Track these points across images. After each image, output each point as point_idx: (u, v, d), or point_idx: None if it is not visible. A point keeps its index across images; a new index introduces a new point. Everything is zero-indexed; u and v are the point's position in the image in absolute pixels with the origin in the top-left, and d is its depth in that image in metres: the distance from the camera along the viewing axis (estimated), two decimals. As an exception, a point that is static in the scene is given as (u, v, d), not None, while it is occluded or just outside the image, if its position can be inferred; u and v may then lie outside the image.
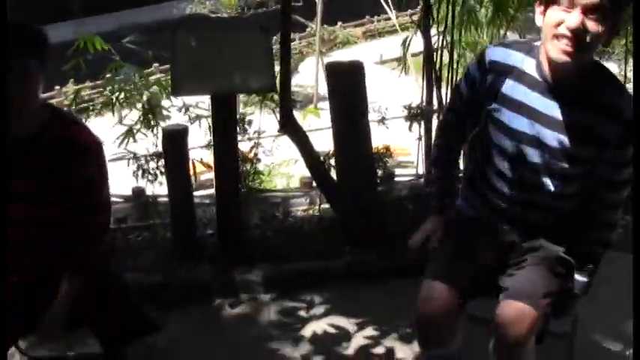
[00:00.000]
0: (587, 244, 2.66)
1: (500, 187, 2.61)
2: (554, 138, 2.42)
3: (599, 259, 2.68)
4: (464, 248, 2.72)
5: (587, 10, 2.17)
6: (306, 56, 26.36)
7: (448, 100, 2.77)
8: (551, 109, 2.40)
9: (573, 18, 2.18)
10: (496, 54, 2.51)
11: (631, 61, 9.33)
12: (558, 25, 2.22)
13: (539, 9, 2.33)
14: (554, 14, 2.24)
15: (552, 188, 2.52)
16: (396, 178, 7.56)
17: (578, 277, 2.66)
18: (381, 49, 25.80)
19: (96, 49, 6.15)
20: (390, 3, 12.43)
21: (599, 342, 3.59)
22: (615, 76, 2.48)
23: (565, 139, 2.41)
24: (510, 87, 2.46)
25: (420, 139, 6.61)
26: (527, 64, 2.44)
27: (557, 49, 2.25)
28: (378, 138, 6.00)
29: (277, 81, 4.72)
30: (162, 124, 5.68)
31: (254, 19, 18.59)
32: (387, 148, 5.86)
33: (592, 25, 2.18)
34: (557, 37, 2.23)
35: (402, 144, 10.03)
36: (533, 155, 2.48)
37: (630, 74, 9.15)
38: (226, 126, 4.47)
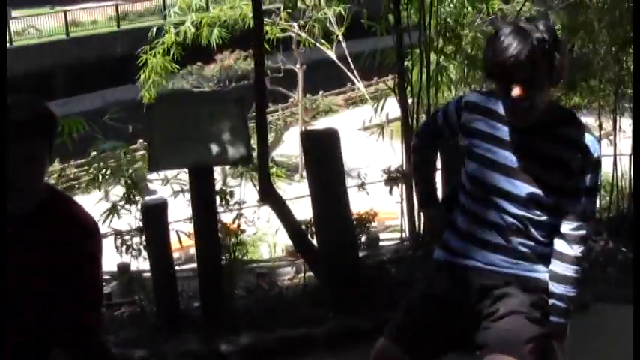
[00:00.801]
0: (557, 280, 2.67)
1: (478, 214, 2.67)
2: (527, 165, 2.55)
3: (572, 299, 2.67)
4: (432, 301, 2.74)
5: (523, 81, 2.39)
6: (290, 126, 26.54)
7: (419, 125, 3.04)
8: (523, 140, 2.56)
9: (515, 91, 2.40)
10: (473, 97, 2.75)
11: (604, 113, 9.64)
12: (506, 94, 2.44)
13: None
14: (500, 88, 2.48)
15: (528, 214, 2.58)
16: (382, 242, 7.60)
17: (553, 318, 2.66)
18: (364, 116, 25.94)
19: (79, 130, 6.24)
20: (356, 75, 12.58)
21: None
22: (573, 113, 2.69)
23: (537, 167, 2.55)
24: (484, 123, 2.64)
25: (400, 202, 6.66)
26: (499, 106, 2.59)
27: (510, 114, 2.51)
28: (362, 204, 6.06)
29: (255, 153, 4.79)
30: (147, 198, 5.72)
31: (236, 91, 18.80)
32: (369, 213, 5.91)
33: (533, 89, 2.41)
34: (508, 101, 2.46)
35: (388, 209, 10.09)
36: (509, 183, 2.57)
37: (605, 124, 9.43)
38: (205, 198, 4.51)
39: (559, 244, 2.63)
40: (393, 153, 7.07)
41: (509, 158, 2.57)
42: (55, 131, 2.54)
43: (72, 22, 29.43)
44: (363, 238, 6.11)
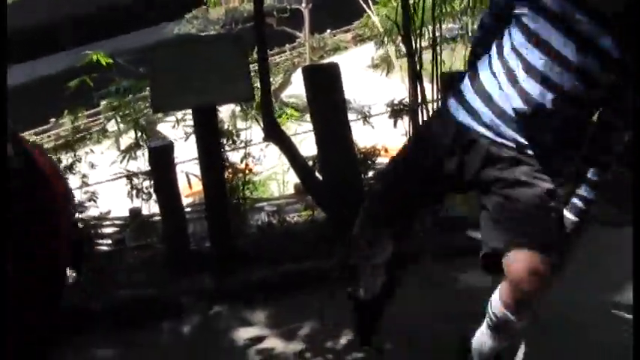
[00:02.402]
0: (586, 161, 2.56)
1: (509, 91, 2.46)
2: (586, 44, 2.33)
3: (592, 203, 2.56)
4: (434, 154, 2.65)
5: None
6: (298, 66, 26.43)
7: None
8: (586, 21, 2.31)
9: None
10: None
11: None
12: None
13: None
14: None
15: (577, 96, 2.40)
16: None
17: (568, 215, 2.57)
18: (372, 53, 25.84)
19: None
20: (370, 6, 12.43)
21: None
22: None
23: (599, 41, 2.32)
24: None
25: (406, 134, 6.65)
26: None
27: None
28: (369, 139, 6.08)
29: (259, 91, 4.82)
30: (155, 141, 5.79)
31: (242, 34, 18.70)
32: (375, 148, 5.93)
33: None
34: None
35: (395, 144, 10.08)
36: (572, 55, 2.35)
37: None
38: (209, 137, 4.55)
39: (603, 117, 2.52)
40: (401, 88, 7.05)
41: (567, 38, 2.32)
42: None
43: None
44: (370, 173, 6.13)
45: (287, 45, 26.79)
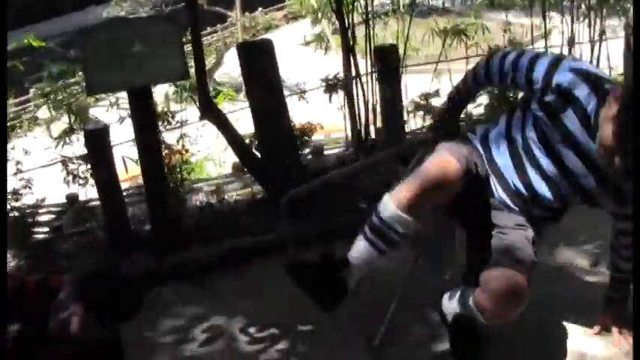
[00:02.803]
0: None
1: (515, 175, 2.75)
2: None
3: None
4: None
5: None
6: (230, 46, 26.26)
7: (489, 63, 2.79)
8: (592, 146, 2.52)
9: None
10: (565, 79, 2.52)
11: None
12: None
13: None
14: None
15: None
16: (327, 152, 7.71)
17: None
18: (304, 31, 25.79)
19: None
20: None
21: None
22: None
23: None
24: (564, 115, 2.55)
25: (341, 108, 6.73)
26: (587, 102, 2.49)
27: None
28: (305, 116, 6.13)
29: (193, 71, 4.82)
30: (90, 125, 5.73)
31: (173, 15, 18.52)
32: (311, 124, 5.99)
33: None
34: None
35: (334, 122, 10.14)
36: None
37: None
38: (145, 118, 4.53)
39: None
40: (335, 64, 7.08)
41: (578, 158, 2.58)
42: None
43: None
44: (307, 149, 6.19)
45: (218, 25, 26.60)
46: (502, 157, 2.79)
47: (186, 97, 7.12)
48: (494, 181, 2.80)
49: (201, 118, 5.19)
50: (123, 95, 6.55)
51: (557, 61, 2.59)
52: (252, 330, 3.66)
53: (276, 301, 3.83)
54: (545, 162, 2.67)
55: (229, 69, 22.83)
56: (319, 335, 3.47)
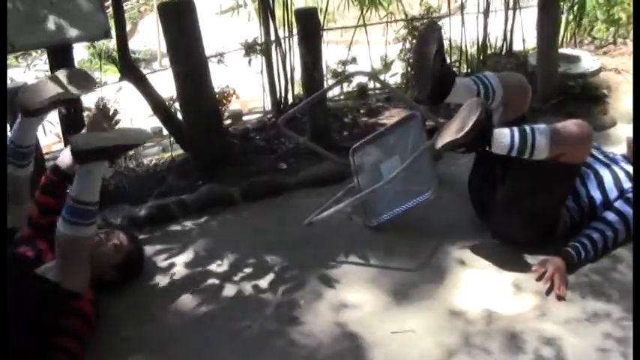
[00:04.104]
0: None
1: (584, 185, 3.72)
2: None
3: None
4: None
5: None
6: (145, 14, 25.81)
7: None
8: None
9: None
10: None
11: None
12: None
13: None
14: None
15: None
16: (245, 117, 7.76)
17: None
18: (220, 0, 25.49)
19: None
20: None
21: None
22: None
23: None
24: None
25: (261, 72, 6.77)
26: None
27: None
28: (224, 81, 6.14)
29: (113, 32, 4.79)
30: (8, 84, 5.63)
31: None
32: (230, 88, 6.03)
33: None
34: None
35: (252, 95, 10.12)
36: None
37: None
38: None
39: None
40: (253, 31, 7.09)
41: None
42: None
43: None
44: (226, 113, 6.23)
45: (133, -7, 26.09)
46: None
47: (106, 58, 7.06)
48: None
49: (121, 77, 5.16)
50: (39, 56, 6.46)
51: None
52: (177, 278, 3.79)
53: (205, 254, 3.99)
54: (594, 176, 3.77)
55: (143, 38, 22.49)
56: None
